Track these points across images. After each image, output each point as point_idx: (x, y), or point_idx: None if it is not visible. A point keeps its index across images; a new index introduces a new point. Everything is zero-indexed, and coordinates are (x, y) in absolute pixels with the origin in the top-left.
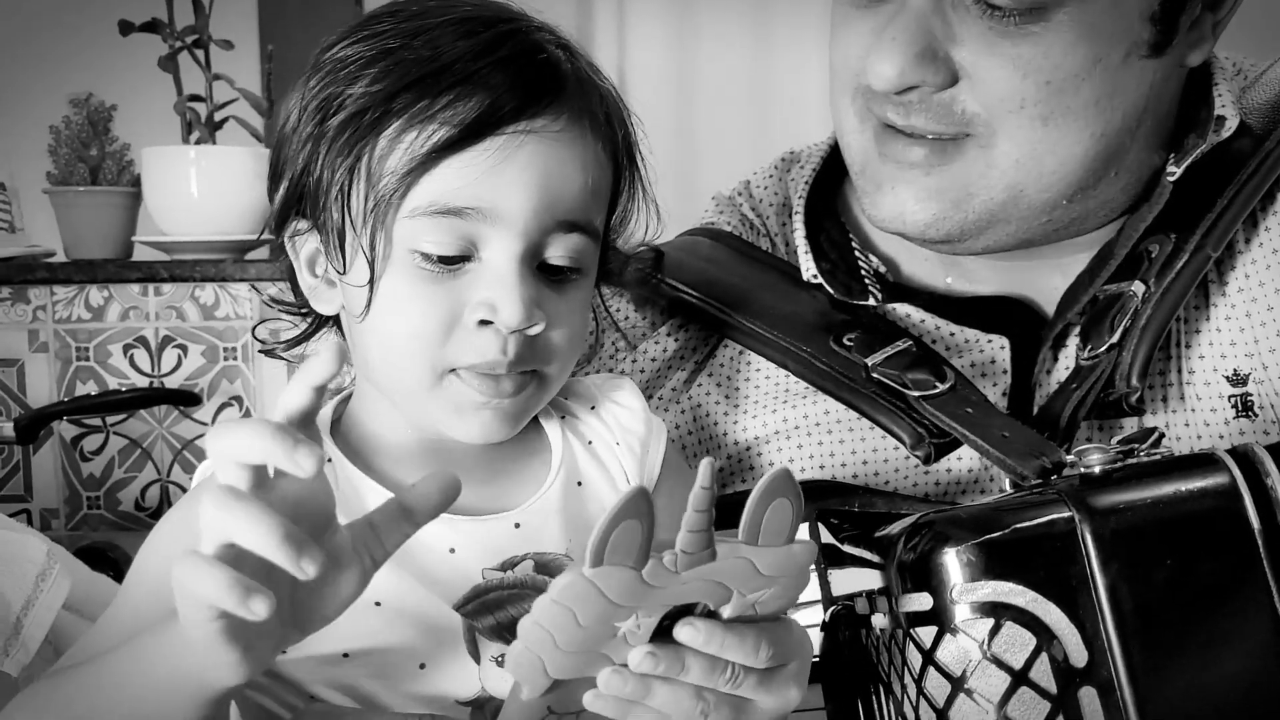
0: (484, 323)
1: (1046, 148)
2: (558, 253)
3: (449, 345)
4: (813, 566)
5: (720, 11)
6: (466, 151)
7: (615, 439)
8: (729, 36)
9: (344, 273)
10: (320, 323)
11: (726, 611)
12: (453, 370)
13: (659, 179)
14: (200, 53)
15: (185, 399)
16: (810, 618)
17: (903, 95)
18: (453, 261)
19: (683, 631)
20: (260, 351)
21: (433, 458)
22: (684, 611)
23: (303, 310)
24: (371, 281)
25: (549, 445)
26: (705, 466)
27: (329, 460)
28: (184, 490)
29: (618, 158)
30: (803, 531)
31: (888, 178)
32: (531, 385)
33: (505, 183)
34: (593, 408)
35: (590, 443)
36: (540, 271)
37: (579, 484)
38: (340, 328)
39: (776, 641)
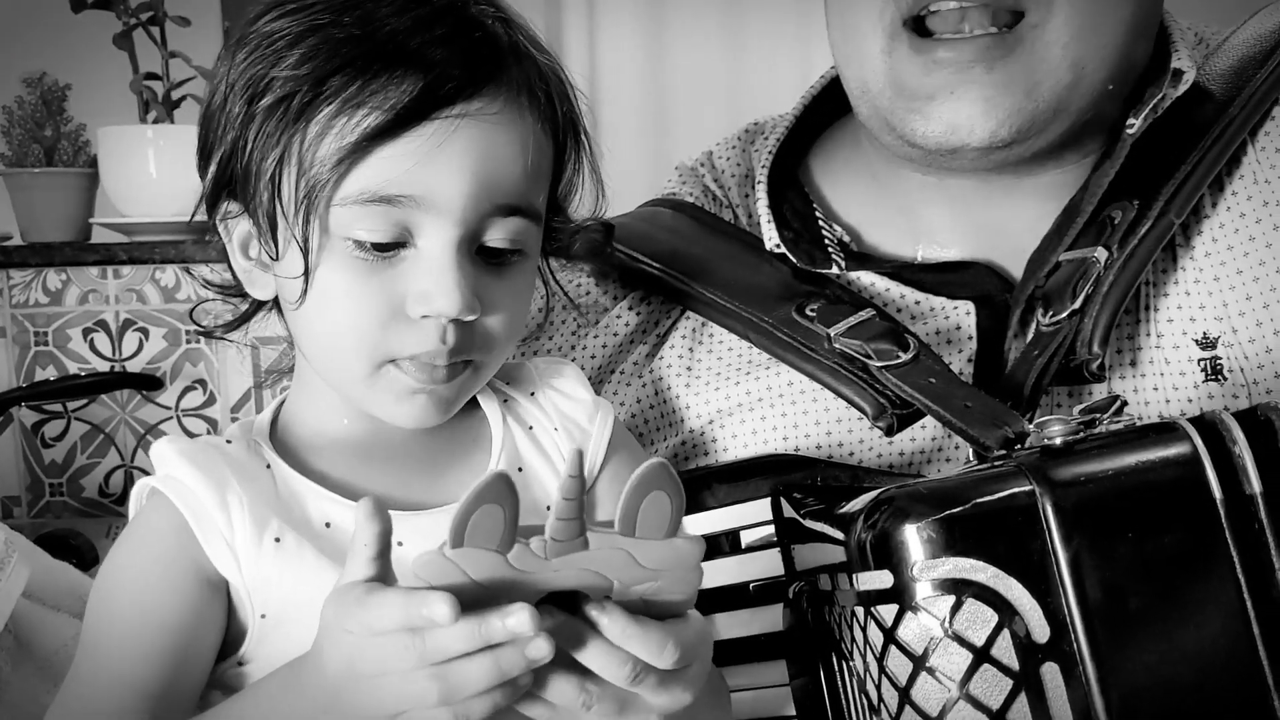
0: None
1: (1102, 11)
2: (496, 236)
3: (387, 336)
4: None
5: (691, 8)
6: (399, 138)
7: (554, 424)
8: (701, 33)
9: (277, 259)
10: (259, 305)
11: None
12: (391, 360)
13: (634, 177)
14: (156, 30)
15: (147, 383)
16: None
17: None
18: (388, 249)
19: (593, 608)
20: (197, 334)
21: (372, 453)
22: (570, 599)
23: (239, 294)
24: (306, 272)
25: (490, 433)
26: (573, 455)
27: (268, 466)
28: (148, 475)
29: (559, 135)
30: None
31: (941, 86)
32: (467, 371)
33: (440, 170)
34: (532, 393)
35: (530, 428)
36: (479, 255)
37: (519, 469)
38: (280, 310)
39: (683, 640)
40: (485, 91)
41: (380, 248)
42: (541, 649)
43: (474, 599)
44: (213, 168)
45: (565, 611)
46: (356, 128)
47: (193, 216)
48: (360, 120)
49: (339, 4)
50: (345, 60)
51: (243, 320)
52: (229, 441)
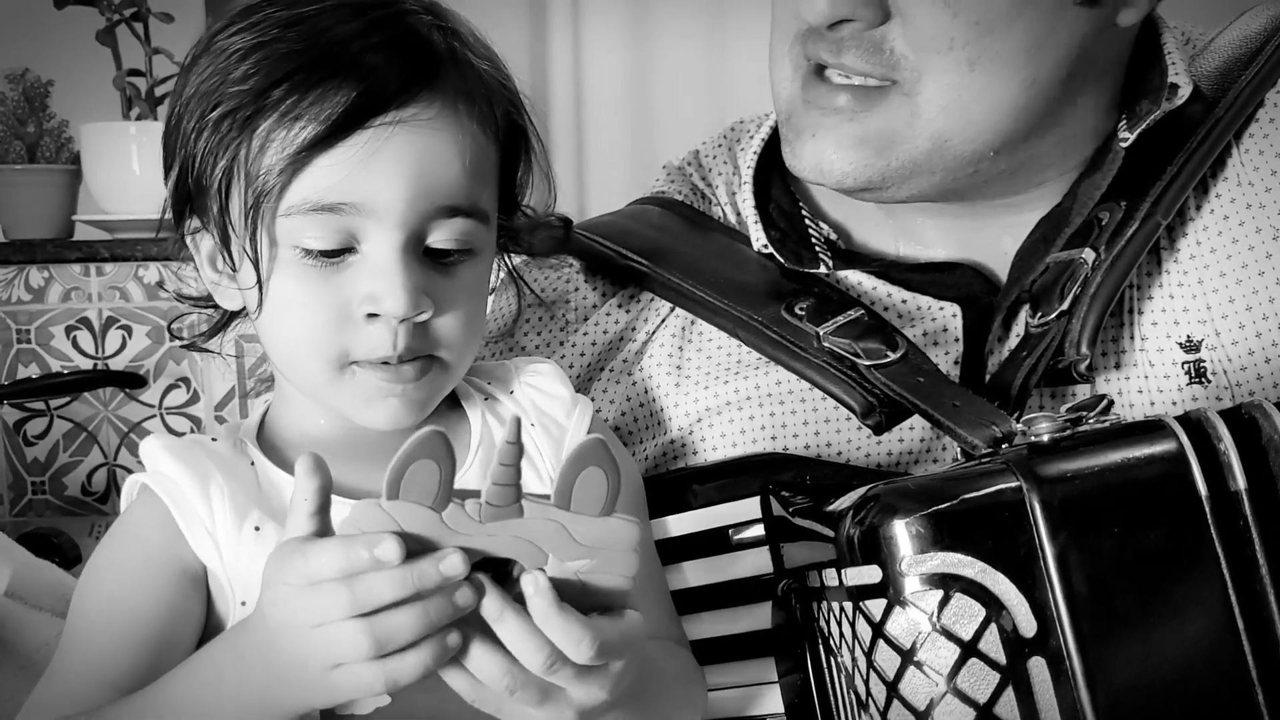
0: (372, 315)
1: (973, 94)
2: (441, 238)
3: (342, 339)
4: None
5: (676, 8)
6: (336, 148)
7: (531, 420)
8: (685, 33)
9: (236, 271)
10: (233, 315)
11: (547, 570)
12: (353, 363)
13: (619, 175)
14: (139, 26)
15: (130, 381)
16: None
17: (835, 30)
18: (335, 254)
19: (526, 579)
20: (180, 347)
21: (352, 451)
22: (503, 569)
23: (213, 305)
24: (260, 281)
25: (469, 429)
26: (512, 422)
27: (252, 464)
28: (131, 474)
29: (500, 136)
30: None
31: (810, 125)
32: (433, 370)
33: (376, 176)
34: (511, 391)
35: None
36: (426, 256)
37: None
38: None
39: (604, 639)
40: (420, 98)
41: (327, 254)
42: (468, 595)
43: (407, 555)
44: (172, 183)
45: (496, 585)
46: (295, 139)
47: (159, 230)
48: (299, 132)
49: (286, 19)
50: (285, 74)
51: (218, 329)
52: (214, 440)
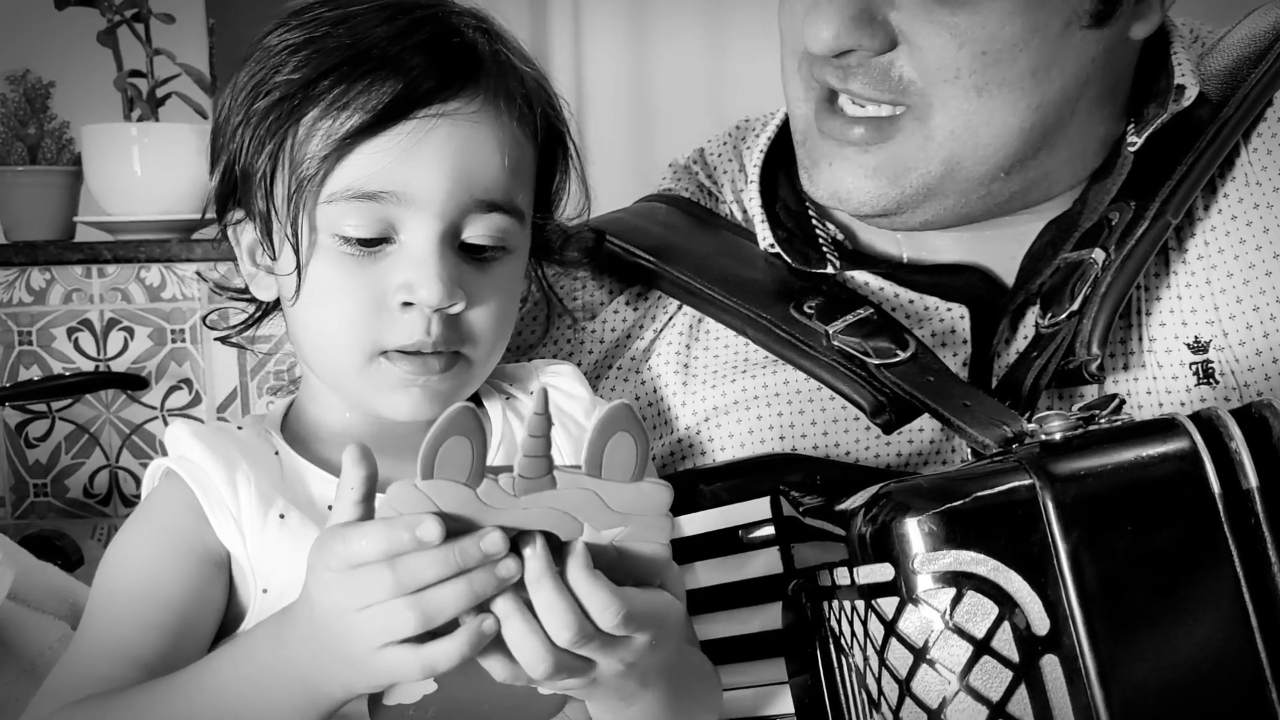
0: (407, 304)
1: (981, 119)
2: (478, 232)
3: (375, 327)
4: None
5: (675, 10)
6: (380, 136)
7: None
8: (684, 35)
9: (275, 259)
10: (268, 309)
11: (583, 539)
12: (382, 353)
13: (619, 175)
14: (140, 27)
15: (132, 383)
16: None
17: (842, 59)
18: (373, 243)
19: (526, 549)
20: (215, 339)
21: (374, 441)
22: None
23: (247, 296)
24: (298, 267)
25: (490, 427)
26: (539, 393)
27: (276, 453)
28: (133, 476)
29: (539, 138)
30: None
31: (825, 154)
32: (459, 364)
33: (418, 166)
34: (531, 391)
35: None
36: (462, 251)
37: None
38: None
39: (630, 607)
40: (462, 93)
41: (365, 243)
42: (510, 567)
43: (446, 533)
44: (218, 175)
45: (546, 547)
46: (341, 127)
47: (202, 218)
48: (345, 120)
49: (333, 18)
50: (333, 66)
51: (252, 323)
52: (240, 428)
